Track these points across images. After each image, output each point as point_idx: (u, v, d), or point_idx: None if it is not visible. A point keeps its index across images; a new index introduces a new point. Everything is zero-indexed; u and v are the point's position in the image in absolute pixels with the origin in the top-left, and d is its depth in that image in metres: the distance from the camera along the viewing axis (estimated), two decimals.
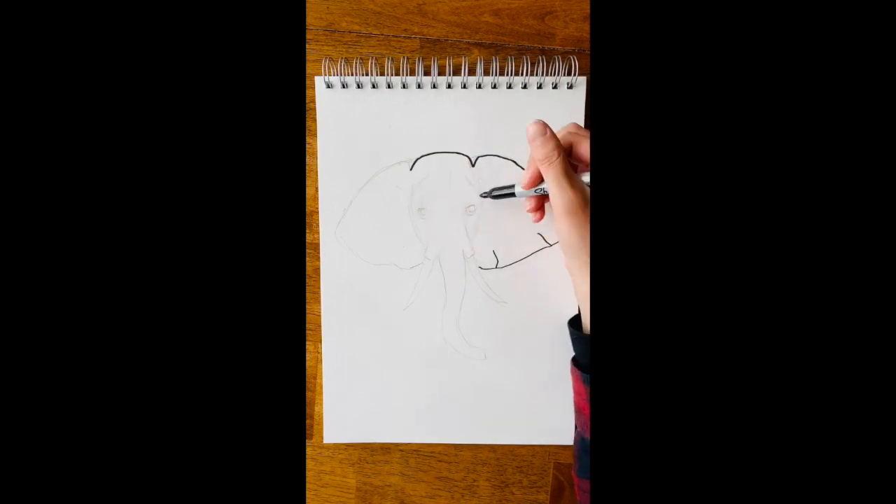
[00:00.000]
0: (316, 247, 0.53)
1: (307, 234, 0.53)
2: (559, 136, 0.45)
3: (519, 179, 0.48)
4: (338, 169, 0.52)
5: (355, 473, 0.55)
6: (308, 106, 0.52)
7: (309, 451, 0.55)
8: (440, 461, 0.55)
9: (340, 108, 0.52)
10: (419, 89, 0.51)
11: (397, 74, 0.51)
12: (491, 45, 0.52)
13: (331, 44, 0.52)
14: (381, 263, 0.53)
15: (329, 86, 0.51)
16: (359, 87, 0.51)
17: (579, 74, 0.51)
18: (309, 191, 0.53)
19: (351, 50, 0.52)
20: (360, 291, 0.53)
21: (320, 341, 0.54)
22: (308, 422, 0.55)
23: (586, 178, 0.44)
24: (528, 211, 0.50)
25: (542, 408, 0.54)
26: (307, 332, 0.54)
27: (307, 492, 0.55)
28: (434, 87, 0.51)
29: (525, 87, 0.51)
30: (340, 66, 0.51)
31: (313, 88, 0.51)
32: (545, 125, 0.44)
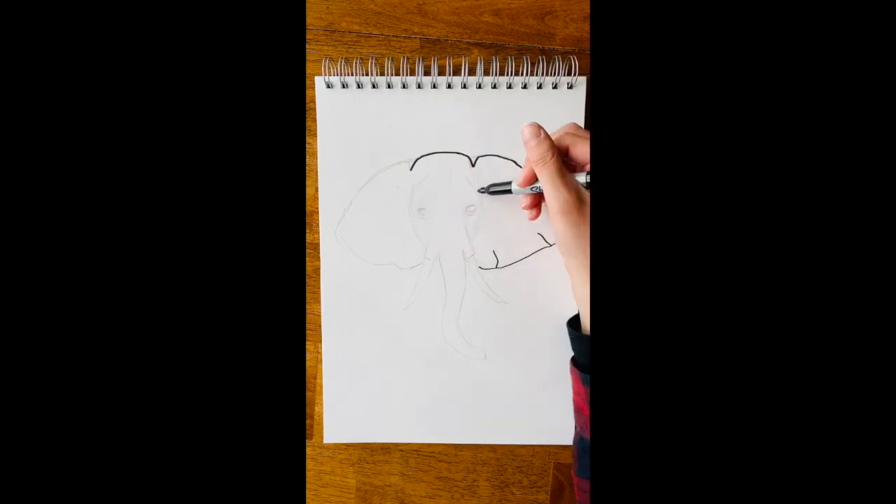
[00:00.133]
0: (316, 247, 0.53)
1: (307, 234, 0.53)
2: (557, 135, 0.45)
3: (516, 177, 0.49)
4: (338, 169, 0.52)
5: (355, 473, 0.55)
6: (308, 106, 0.52)
7: (309, 451, 0.55)
8: (440, 461, 0.55)
9: (340, 108, 0.52)
10: (419, 89, 0.51)
11: (397, 74, 0.51)
12: (491, 45, 0.52)
13: (331, 44, 0.52)
14: (381, 263, 0.53)
15: (329, 86, 0.51)
16: (359, 87, 0.51)
17: (579, 74, 0.51)
18: (309, 191, 0.53)
19: (351, 50, 0.52)
20: (360, 291, 0.53)
21: (320, 341, 0.54)
22: (308, 422, 0.55)
23: (581, 178, 0.44)
24: (524, 208, 0.50)
25: (542, 408, 0.54)
26: (307, 332, 0.54)
27: (307, 492, 0.55)
28: (434, 87, 0.51)
29: (525, 87, 0.51)
30: (340, 66, 0.51)
31: (313, 88, 0.51)
32: (539, 127, 0.44)
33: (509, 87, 0.51)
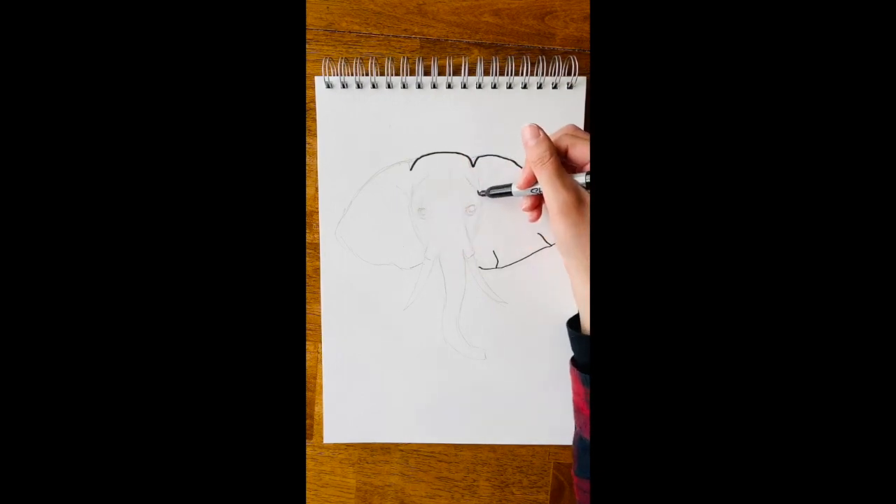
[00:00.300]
0: (316, 247, 0.53)
1: (307, 234, 0.53)
2: (556, 137, 0.45)
3: (516, 179, 0.49)
4: (338, 169, 0.52)
5: (355, 473, 0.55)
6: (308, 106, 0.52)
7: (309, 451, 0.55)
8: (440, 461, 0.55)
9: (340, 108, 0.52)
10: (419, 89, 0.51)
11: (397, 74, 0.51)
12: (491, 45, 0.52)
13: (331, 44, 0.52)
14: (381, 263, 0.53)
15: (329, 86, 0.51)
16: (359, 87, 0.51)
17: (579, 74, 0.51)
18: (309, 191, 0.53)
19: (351, 50, 0.52)
20: (360, 291, 0.53)
21: (320, 341, 0.54)
22: (308, 422, 0.55)
23: (580, 178, 0.44)
24: (524, 210, 0.50)
25: (542, 408, 0.54)
26: (307, 332, 0.54)
27: (307, 492, 0.55)
28: (434, 87, 0.51)
29: (525, 87, 0.51)
30: (340, 66, 0.51)
31: (313, 88, 0.51)
32: (538, 128, 0.44)
33: (509, 87, 0.51)
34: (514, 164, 0.52)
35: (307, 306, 0.54)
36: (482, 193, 0.52)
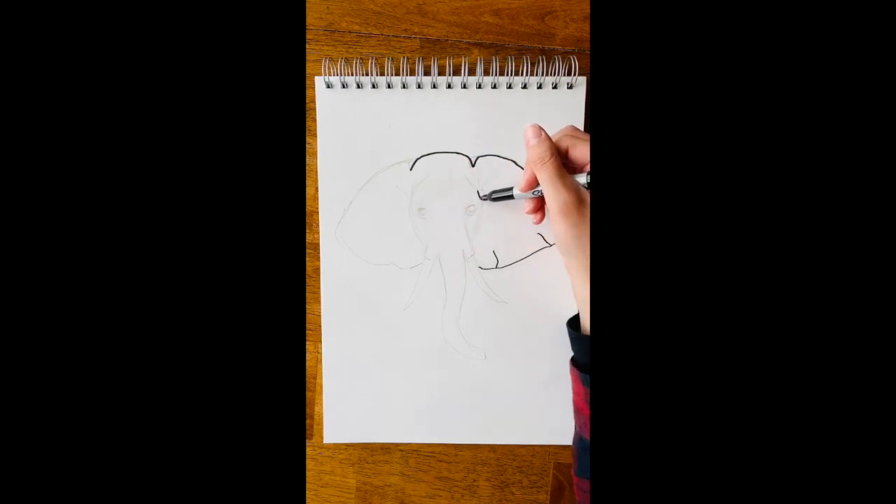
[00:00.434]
0: (316, 247, 0.53)
1: (307, 234, 0.53)
2: (556, 138, 0.45)
3: (517, 181, 0.49)
4: (338, 169, 0.52)
5: (355, 473, 0.55)
6: (308, 106, 0.52)
7: (309, 451, 0.55)
8: (440, 461, 0.55)
9: (340, 108, 0.52)
10: (419, 89, 0.51)
11: (397, 74, 0.51)
12: (491, 45, 0.52)
13: (331, 44, 0.52)
14: (381, 263, 0.53)
15: (329, 86, 0.51)
16: (359, 87, 0.51)
17: (579, 74, 0.51)
18: (309, 191, 0.53)
19: (351, 50, 0.52)
20: (360, 291, 0.53)
21: (320, 341, 0.54)
22: (308, 422, 0.55)
23: (581, 179, 0.44)
24: (528, 213, 0.50)
25: (542, 408, 0.54)
26: (307, 332, 0.54)
27: (307, 492, 0.55)
28: (434, 87, 0.51)
29: (525, 87, 0.51)
30: (340, 66, 0.51)
31: (313, 88, 0.51)
32: (539, 128, 0.44)
33: (509, 87, 0.51)
34: (514, 164, 0.52)
35: (307, 306, 0.54)
36: (484, 198, 0.52)
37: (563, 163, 0.44)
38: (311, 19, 0.52)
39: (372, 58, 0.51)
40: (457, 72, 0.52)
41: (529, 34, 0.52)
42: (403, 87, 0.51)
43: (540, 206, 0.50)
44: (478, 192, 0.52)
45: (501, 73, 0.51)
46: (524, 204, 0.50)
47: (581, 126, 0.51)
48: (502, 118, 0.51)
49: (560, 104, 0.51)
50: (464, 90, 0.51)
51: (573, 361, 0.48)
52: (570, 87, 0.51)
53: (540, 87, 0.51)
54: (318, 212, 0.53)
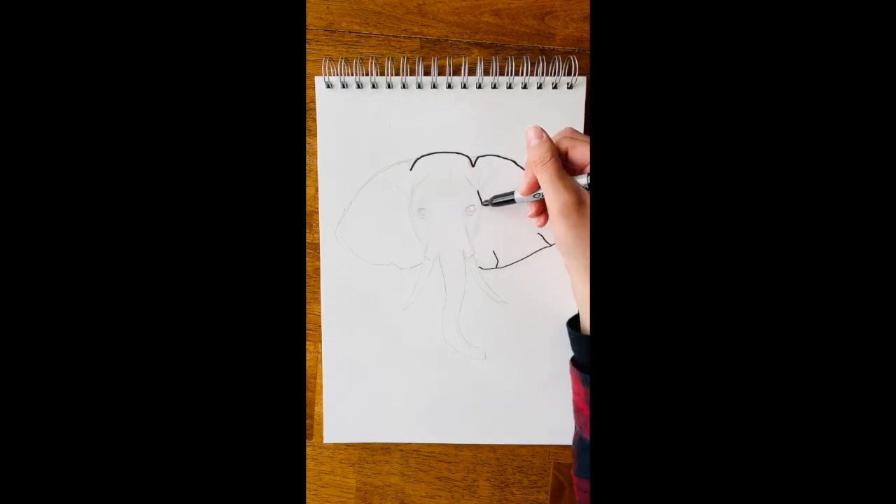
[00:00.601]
0: (316, 247, 0.53)
1: (307, 234, 0.53)
2: (555, 139, 0.46)
3: (518, 185, 0.49)
4: (338, 169, 0.52)
5: (355, 473, 0.55)
6: (308, 106, 0.52)
7: (309, 451, 0.55)
8: (440, 461, 0.55)
9: (340, 108, 0.52)
10: (419, 89, 0.51)
11: (397, 74, 0.51)
12: (491, 45, 0.52)
13: (331, 44, 0.52)
14: (381, 263, 0.53)
15: (329, 86, 0.51)
16: (359, 87, 0.51)
17: (579, 74, 0.51)
18: (309, 191, 0.53)
19: (351, 50, 0.52)
20: (360, 291, 0.53)
21: (320, 341, 0.54)
22: (308, 422, 0.55)
23: (581, 180, 0.44)
24: (531, 216, 0.50)
25: (542, 408, 0.54)
26: (307, 332, 0.54)
27: (307, 492, 0.55)
28: (434, 87, 0.51)
29: (525, 87, 0.51)
30: (340, 66, 0.51)
31: (313, 88, 0.51)
32: (541, 130, 0.45)
33: (509, 87, 0.51)
34: (514, 164, 0.52)
35: (307, 306, 0.54)
36: (485, 203, 0.52)
37: (564, 164, 0.45)
38: (311, 19, 0.52)
39: (372, 58, 0.51)
40: (457, 72, 0.52)
41: (529, 34, 0.52)
42: (403, 87, 0.51)
43: (543, 209, 0.50)
44: (479, 198, 0.52)
45: (501, 73, 0.51)
46: (527, 208, 0.50)
47: (580, 127, 0.51)
48: (502, 118, 0.51)
49: (560, 104, 0.51)
50: (464, 90, 0.51)
51: (573, 361, 0.48)
52: (570, 87, 0.51)
53: (540, 87, 0.51)
54: (318, 212, 0.53)
